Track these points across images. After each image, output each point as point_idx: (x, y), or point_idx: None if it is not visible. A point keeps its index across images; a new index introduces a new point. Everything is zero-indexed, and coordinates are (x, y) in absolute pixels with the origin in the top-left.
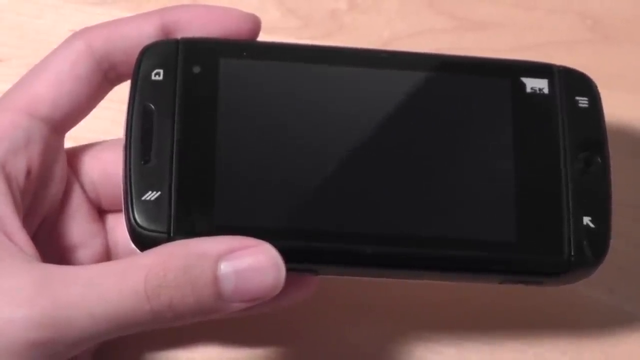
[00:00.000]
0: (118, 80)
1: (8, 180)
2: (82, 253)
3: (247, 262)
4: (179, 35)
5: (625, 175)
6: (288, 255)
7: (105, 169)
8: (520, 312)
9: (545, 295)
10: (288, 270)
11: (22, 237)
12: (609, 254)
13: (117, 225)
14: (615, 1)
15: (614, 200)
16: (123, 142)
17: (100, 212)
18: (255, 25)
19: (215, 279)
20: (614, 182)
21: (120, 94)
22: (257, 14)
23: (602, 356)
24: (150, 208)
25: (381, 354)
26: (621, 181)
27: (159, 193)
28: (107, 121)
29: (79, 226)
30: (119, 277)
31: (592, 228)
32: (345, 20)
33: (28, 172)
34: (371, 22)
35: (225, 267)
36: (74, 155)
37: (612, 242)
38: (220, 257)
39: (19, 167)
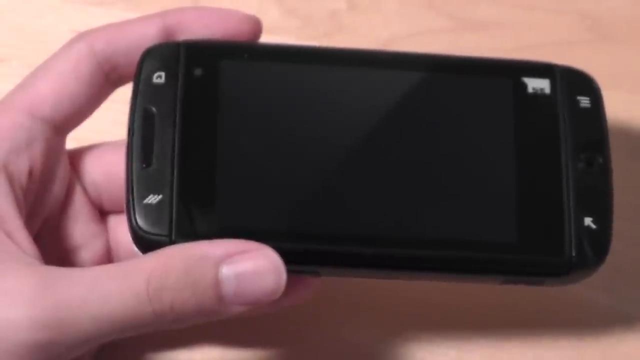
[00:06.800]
0: (120, 82)
1: (10, 180)
2: (84, 254)
3: (248, 266)
4: (180, 38)
5: (625, 176)
6: (289, 258)
7: (107, 170)
8: (520, 314)
9: (545, 296)
10: (289, 272)
11: (23, 238)
12: (608, 254)
13: (119, 226)
14: (615, 1)
15: (613, 201)
16: (125, 144)
17: (102, 212)
18: (256, 26)
19: (217, 282)
20: (613, 183)
21: (122, 95)
22: (257, 14)
23: (602, 357)
24: (151, 211)
25: (381, 355)
26: (621, 182)
27: (160, 196)
28: (109, 122)
29: (80, 227)
30: (121, 279)
31: (594, 228)
32: (345, 20)
33: (30, 173)
34: (371, 22)
35: (226, 271)
36: (76, 156)
37: (612, 243)
38: (221, 261)
39: (21, 167)
